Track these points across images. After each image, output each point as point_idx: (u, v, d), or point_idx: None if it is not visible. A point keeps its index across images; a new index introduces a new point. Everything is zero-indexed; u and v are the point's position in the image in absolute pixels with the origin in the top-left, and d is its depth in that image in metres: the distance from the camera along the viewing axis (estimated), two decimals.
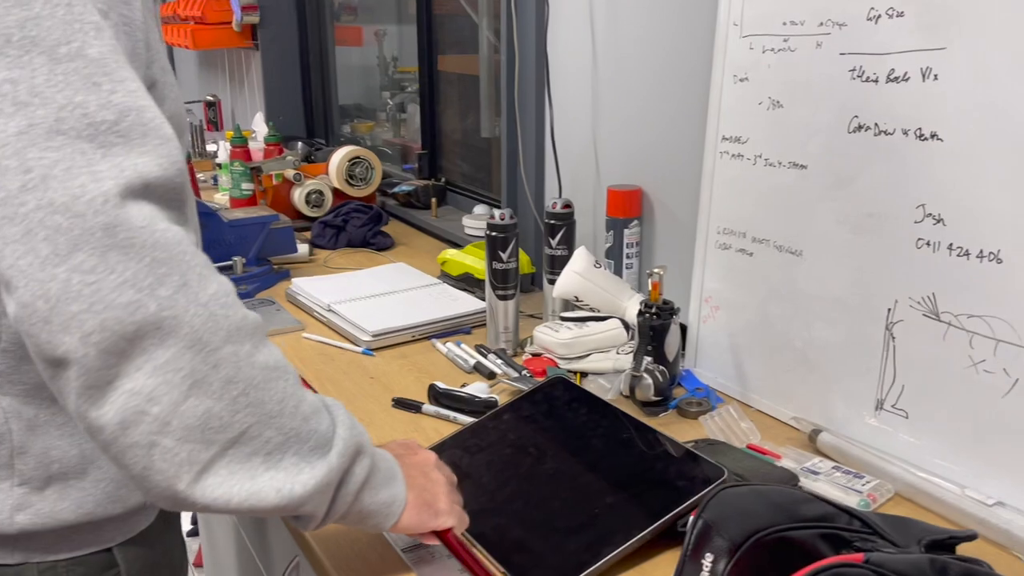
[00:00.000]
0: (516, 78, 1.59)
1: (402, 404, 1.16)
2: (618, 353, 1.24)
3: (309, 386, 1.17)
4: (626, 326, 1.25)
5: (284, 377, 0.64)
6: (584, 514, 0.84)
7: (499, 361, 1.30)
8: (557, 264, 1.37)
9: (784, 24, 1.05)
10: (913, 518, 0.81)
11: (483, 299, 1.44)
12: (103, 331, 0.55)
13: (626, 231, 1.41)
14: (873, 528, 0.77)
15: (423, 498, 0.76)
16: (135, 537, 0.83)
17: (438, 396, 1.15)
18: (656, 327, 1.12)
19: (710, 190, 1.19)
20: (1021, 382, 0.84)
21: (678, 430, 1.08)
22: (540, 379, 1.21)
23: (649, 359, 1.13)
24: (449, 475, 0.84)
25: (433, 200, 2.13)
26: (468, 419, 1.09)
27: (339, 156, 2.16)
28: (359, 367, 1.31)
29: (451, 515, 0.78)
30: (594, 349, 1.27)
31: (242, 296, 1.58)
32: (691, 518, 0.73)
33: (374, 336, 1.36)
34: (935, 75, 0.89)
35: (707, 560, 0.71)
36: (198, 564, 2.33)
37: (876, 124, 0.96)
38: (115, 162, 0.59)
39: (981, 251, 0.86)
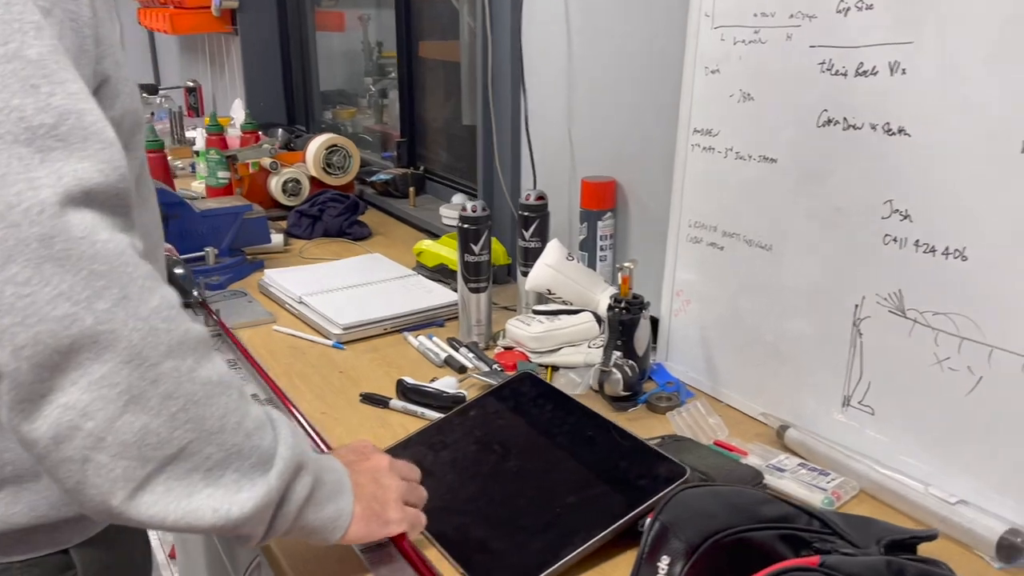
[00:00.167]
0: (490, 67, 1.57)
1: (370, 399, 1.15)
2: (590, 347, 1.23)
3: (276, 391, 1.16)
4: (598, 319, 1.24)
5: (227, 392, 0.63)
6: (546, 513, 0.83)
7: (470, 355, 1.29)
8: (531, 256, 1.36)
9: (755, 15, 1.04)
10: (874, 518, 0.81)
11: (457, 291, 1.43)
12: (36, 344, 0.54)
13: (600, 223, 1.40)
14: (833, 528, 0.76)
15: (372, 508, 0.75)
16: (92, 538, 0.81)
17: (406, 391, 1.14)
18: (625, 322, 1.12)
19: (681, 183, 1.18)
20: (984, 380, 0.84)
21: (647, 425, 1.08)
22: (511, 373, 1.20)
23: (618, 354, 1.12)
24: (409, 474, 0.83)
25: (411, 189, 2.11)
26: (436, 414, 1.08)
27: (316, 144, 2.14)
28: (329, 361, 1.29)
29: (403, 521, 0.77)
30: (566, 343, 1.26)
31: (214, 288, 1.57)
32: (648, 520, 0.72)
33: (344, 329, 1.35)
34: (903, 69, 0.88)
35: (663, 563, 0.70)
36: (172, 556, 2.32)
37: (845, 118, 0.95)
38: (54, 168, 0.57)
39: (947, 248, 0.86)
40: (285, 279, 1.55)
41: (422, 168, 2.24)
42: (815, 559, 0.66)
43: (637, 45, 1.32)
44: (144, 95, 2.80)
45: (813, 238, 1.00)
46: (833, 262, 0.98)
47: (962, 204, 0.84)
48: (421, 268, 1.66)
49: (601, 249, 1.41)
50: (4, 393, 0.55)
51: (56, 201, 0.56)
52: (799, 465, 0.95)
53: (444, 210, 1.94)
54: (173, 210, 1.60)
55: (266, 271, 1.62)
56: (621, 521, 0.79)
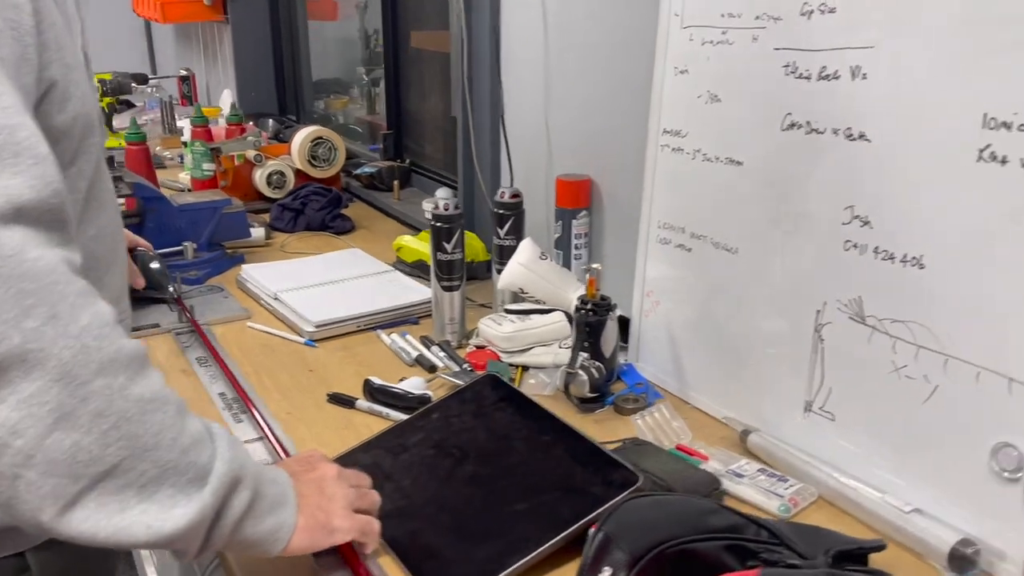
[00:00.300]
0: (465, 59, 1.56)
1: (336, 399, 1.15)
2: (560, 347, 1.23)
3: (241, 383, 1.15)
4: (570, 319, 1.24)
5: (162, 409, 0.63)
6: (497, 520, 0.83)
7: (442, 354, 1.28)
8: (505, 254, 1.35)
9: (722, 16, 1.03)
10: (824, 528, 0.81)
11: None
12: None
13: (574, 221, 1.39)
14: (780, 539, 0.76)
15: (316, 518, 0.74)
16: (49, 541, 0.82)
17: (373, 391, 1.14)
18: (592, 323, 1.11)
19: (651, 184, 1.17)
20: (940, 389, 0.83)
21: (611, 428, 1.07)
22: (480, 373, 1.20)
23: (585, 355, 1.12)
24: (360, 481, 0.83)
25: (395, 183, 2.10)
26: (401, 415, 1.08)
27: (301, 136, 2.13)
28: (300, 359, 1.29)
29: (350, 530, 0.77)
30: (537, 342, 1.26)
31: (192, 282, 1.56)
32: (591, 530, 0.72)
33: (317, 327, 1.35)
34: (864, 74, 0.87)
35: (605, 574, 0.70)
36: None
37: (808, 122, 0.94)
38: None
39: (905, 255, 0.85)
40: (262, 274, 1.55)
41: (408, 161, 2.24)
42: (755, 572, 0.66)
43: (612, 44, 1.31)
44: (134, 85, 2.78)
45: (777, 242, 0.99)
46: (796, 267, 0.97)
47: (919, 212, 0.83)
48: (400, 264, 1.66)
49: (576, 248, 1.40)
50: None
51: None
52: (759, 471, 0.95)
53: (427, 204, 1.93)
54: (151, 204, 1.60)
55: (244, 266, 1.62)
56: (568, 531, 0.79)
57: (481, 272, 1.61)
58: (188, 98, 3.63)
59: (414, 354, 1.28)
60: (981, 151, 0.77)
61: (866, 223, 0.89)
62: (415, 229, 1.91)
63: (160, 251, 1.52)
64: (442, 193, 1.96)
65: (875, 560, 0.81)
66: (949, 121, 0.79)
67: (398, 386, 1.14)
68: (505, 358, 1.25)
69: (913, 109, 0.83)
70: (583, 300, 1.12)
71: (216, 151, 2.11)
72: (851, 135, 0.89)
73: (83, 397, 0.58)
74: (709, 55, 1.05)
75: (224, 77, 3.42)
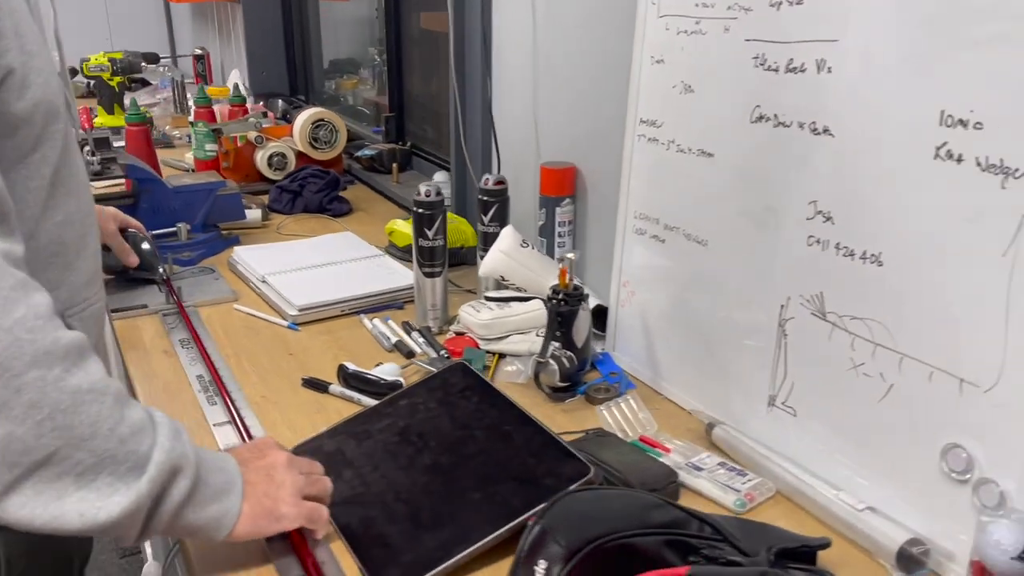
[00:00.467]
0: (456, 46, 1.56)
1: (311, 384, 1.16)
2: (537, 335, 1.23)
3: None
4: None
5: (100, 400, 0.64)
6: (450, 509, 0.84)
7: (421, 340, 1.29)
8: (489, 241, 1.36)
9: (696, 5, 1.01)
10: (772, 525, 0.81)
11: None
12: None
13: (558, 209, 1.39)
14: (723, 535, 0.76)
15: (263, 505, 0.76)
16: None
17: (347, 377, 1.15)
18: (564, 313, 1.11)
19: (629, 174, 1.17)
20: (896, 388, 0.82)
21: (580, 418, 1.08)
22: (457, 359, 1.21)
23: (556, 344, 1.12)
24: (311, 469, 0.84)
25: (394, 165, 2.11)
26: (372, 401, 1.09)
27: (303, 118, 2.14)
28: (281, 342, 1.31)
29: (296, 517, 0.78)
30: (514, 330, 1.26)
31: (185, 263, 1.58)
32: (529, 523, 0.73)
33: (300, 310, 1.36)
34: (829, 68, 0.86)
35: (540, 567, 0.70)
36: None
37: (776, 115, 0.93)
38: None
39: (864, 252, 0.84)
40: (252, 257, 1.56)
41: (409, 144, 2.24)
42: (684, 569, 0.66)
43: (599, 30, 1.30)
44: (144, 64, 2.80)
45: (745, 236, 0.98)
46: (762, 261, 0.96)
47: (879, 209, 0.82)
48: (392, 248, 1.67)
49: (559, 236, 1.40)
50: None
51: None
52: (719, 464, 0.95)
53: (424, 188, 1.93)
54: (145, 185, 1.61)
55: (236, 248, 1.63)
56: (514, 523, 0.79)
57: (470, 258, 1.61)
58: (203, 76, 3.65)
59: (394, 340, 1.29)
60: (938, 148, 0.76)
61: (828, 219, 0.88)
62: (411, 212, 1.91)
63: (154, 232, 1.54)
64: (439, 177, 1.97)
65: (826, 557, 0.81)
66: (908, 117, 0.78)
67: (371, 372, 1.15)
68: (483, 345, 1.26)
69: (875, 104, 0.81)
70: (555, 290, 1.12)
71: (218, 132, 2.12)
72: (816, 129, 0.88)
73: (16, 388, 0.59)
74: (684, 45, 1.04)
75: (238, 56, 3.43)
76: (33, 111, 0.76)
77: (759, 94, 0.94)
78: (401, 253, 1.63)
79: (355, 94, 3.01)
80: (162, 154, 2.52)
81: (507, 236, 1.31)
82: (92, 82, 2.85)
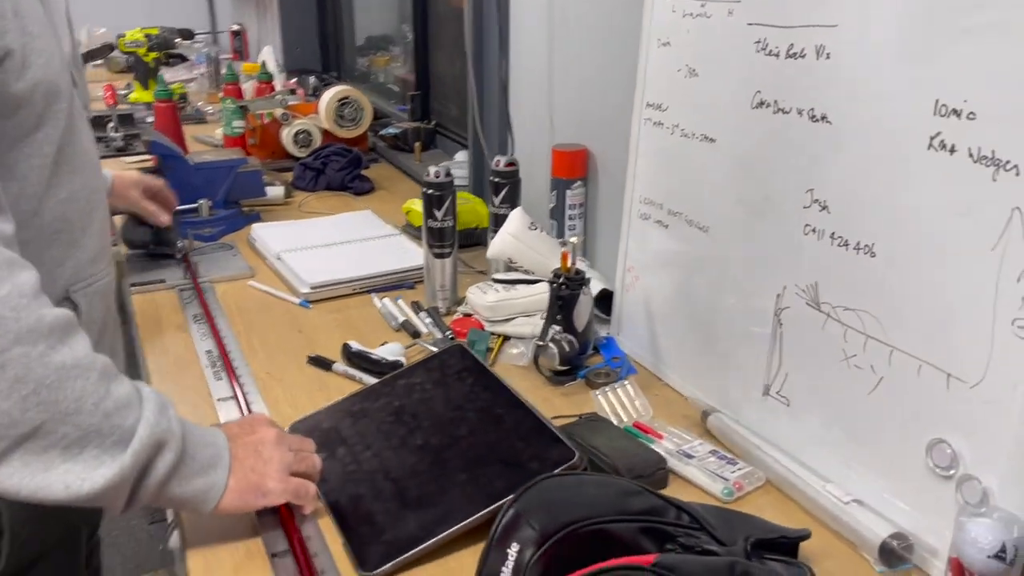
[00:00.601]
0: (473, 28, 1.55)
1: (316, 361, 1.18)
2: (541, 318, 1.24)
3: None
4: None
5: (85, 375, 0.66)
6: (437, 490, 0.85)
7: (428, 320, 1.30)
8: (500, 222, 1.36)
9: None
10: (753, 515, 0.81)
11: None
12: None
13: (569, 192, 1.38)
14: (701, 523, 0.76)
15: (250, 480, 0.78)
16: None
17: (350, 355, 1.17)
18: (564, 297, 1.11)
19: (635, 158, 1.16)
20: (885, 381, 0.81)
21: (578, 402, 1.08)
22: (462, 341, 1.22)
23: (557, 328, 1.12)
24: (301, 446, 0.85)
25: (417, 144, 2.11)
26: (374, 380, 1.10)
27: (328, 96, 2.16)
28: (292, 319, 1.33)
29: (283, 492, 0.80)
30: (520, 313, 1.26)
31: (205, 239, 1.61)
32: (504, 505, 0.73)
33: (312, 288, 1.38)
34: (828, 54, 0.84)
35: (513, 549, 0.71)
36: None
37: (776, 101, 0.91)
38: None
39: (858, 243, 0.83)
40: (269, 234, 1.59)
41: (434, 123, 2.24)
42: (650, 557, 0.66)
43: (615, 12, 1.28)
44: (179, 40, 2.84)
45: (744, 223, 0.97)
46: (760, 249, 0.95)
47: (873, 199, 0.81)
48: (409, 228, 1.68)
49: (570, 218, 1.40)
50: None
51: None
52: (710, 453, 0.95)
53: (433, 169, 1.93)
54: (167, 162, 1.64)
55: (255, 225, 1.66)
56: (496, 504, 0.80)
57: (485, 239, 1.61)
58: (240, 52, 3.70)
59: (401, 319, 1.30)
60: (932, 139, 0.74)
61: (824, 207, 0.86)
62: None
63: (175, 208, 1.57)
64: (460, 157, 1.97)
65: (810, 549, 0.81)
66: (904, 106, 0.77)
67: (374, 351, 1.16)
68: (488, 327, 1.26)
69: (871, 92, 0.80)
70: (556, 273, 1.12)
71: (245, 109, 2.15)
72: (814, 116, 0.86)
73: (1, 364, 0.62)
74: (689, 28, 1.03)
75: (273, 32, 3.46)
76: (33, 91, 0.78)
77: (760, 79, 0.93)
78: (417, 233, 1.64)
79: (387, 71, 3.01)
80: (195, 130, 2.56)
81: (515, 218, 1.31)
82: (129, 58, 2.90)
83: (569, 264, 1.12)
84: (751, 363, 0.98)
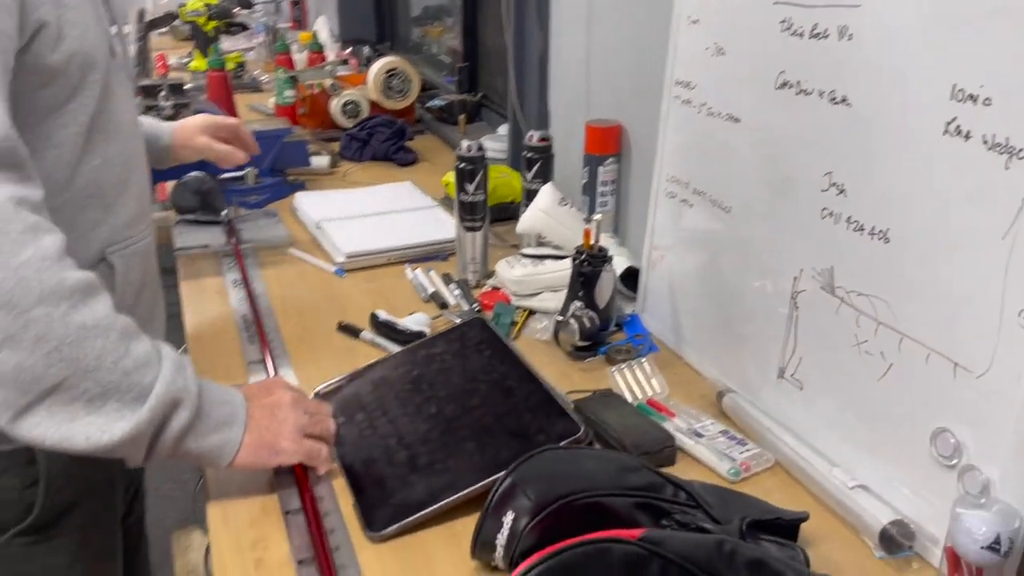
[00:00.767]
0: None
1: (345, 329, 1.21)
2: None
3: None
4: None
5: (104, 335, 0.70)
6: (445, 457, 0.88)
7: (457, 292, 1.33)
8: (532, 198, 1.37)
9: None
10: (753, 496, 0.81)
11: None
12: None
13: (601, 168, 1.39)
14: (698, 501, 0.77)
15: (264, 439, 0.81)
16: None
17: (377, 324, 1.20)
18: (586, 274, 1.12)
19: (664, 136, 1.16)
20: (894, 368, 0.81)
21: (596, 377, 1.09)
22: (488, 314, 1.24)
23: (579, 304, 1.13)
24: (317, 409, 0.89)
25: (461, 117, 2.13)
26: (398, 348, 1.13)
27: (377, 67, 2.19)
28: (327, 287, 1.36)
29: (295, 452, 0.83)
30: (546, 288, 1.28)
31: (250, 207, 1.66)
32: (502, 475, 0.75)
33: (348, 257, 1.41)
34: (850, 35, 0.83)
35: (507, 518, 0.73)
36: None
37: (799, 82, 0.90)
38: None
39: (873, 228, 0.82)
40: (311, 203, 1.63)
41: (479, 95, 2.25)
42: (637, 531, 0.68)
43: None
44: (237, 8, 2.90)
45: (765, 205, 0.97)
46: (779, 232, 0.95)
47: (889, 184, 0.80)
48: (448, 200, 1.70)
49: (602, 195, 1.40)
50: None
51: None
52: (721, 432, 0.96)
53: (486, 141, 1.94)
54: None
55: (297, 194, 1.70)
56: (500, 474, 0.82)
57: (520, 213, 1.62)
58: (298, 22, 3.75)
59: (431, 290, 1.33)
60: (948, 124, 0.73)
61: (842, 191, 0.86)
62: None
63: (222, 176, 1.62)
64: (503, 130, 1.98)
65: (813, 531, 0.82)
66: (922, 90, 0.75)
67: (401, 321, 1.19)
68: (515, 301, 1.28)
69: (891, 75, 0.78)
70: (579, 250, 1.13)
71: (295, 79, 2.19)
72: (835, 98, 0.85)
73: (24, 323, 0.66)
74: (718, 6, 1.02)
75: (329, 2, 3.50)
76: (68, 62, 0.81)
77: (784, 59, 0.92)
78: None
79: (440, 43, 3.02)
80: (250, 98, 2.62)
81: (546, 194, 1.32)
82: (190, 27, 2.97)
83: (592, 241, 1.13)
84: (768, 346, 0.98)
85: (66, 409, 0.70)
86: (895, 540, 0.78)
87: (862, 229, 0.83)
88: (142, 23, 2.70)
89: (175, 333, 1.20)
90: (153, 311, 1.03)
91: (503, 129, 1.99)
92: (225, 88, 2.06)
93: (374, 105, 2.19)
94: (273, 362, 1.10)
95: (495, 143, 1.94)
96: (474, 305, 1.28)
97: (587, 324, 1.12)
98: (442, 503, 0.82)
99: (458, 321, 1.17)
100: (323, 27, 2.87)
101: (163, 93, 1.60)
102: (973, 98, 0.70)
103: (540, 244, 1.37)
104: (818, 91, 0.88)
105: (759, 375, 1.00)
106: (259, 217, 1.63)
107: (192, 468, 2.48)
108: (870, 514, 0.80)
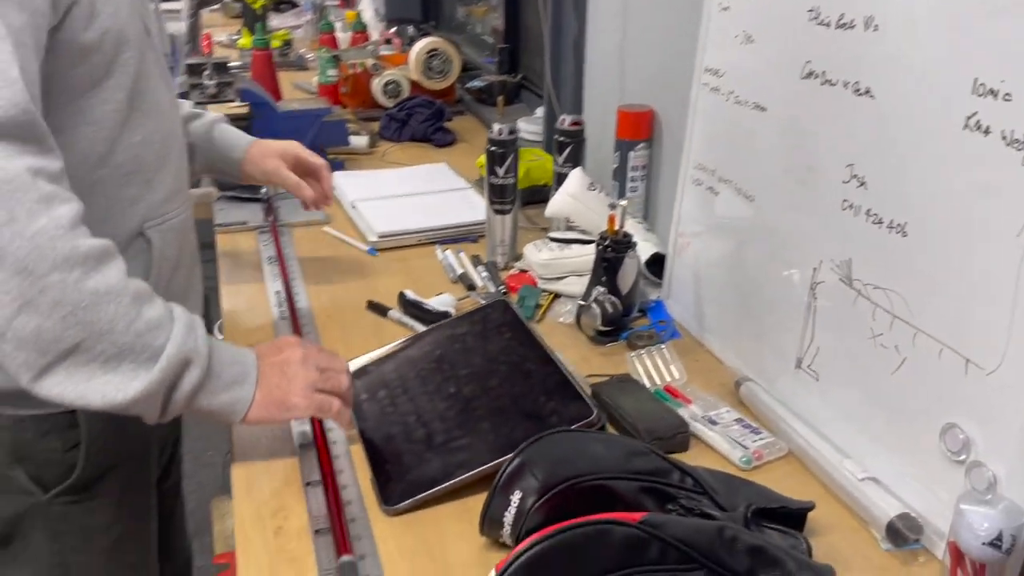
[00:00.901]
0: None
1: (373, 307, 1.24)
2: None
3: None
4: None
5: (117, 300, 0.74)
6: (461, 436, 0.90)
7: (485, 274, 1.35)
8: (562, 182, 1.38)
9: None
10: (760, 484, 0.82)
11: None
12: None
13: (632, 154, 1.39)
14: (704, 488, 0.79)
15: (274, 396, 0.84)
16: None
17: (405, 303, 1.22)
18: (609, 259, 1.13)
19: (692, 123, 1.16)
20: (908, 362, 0.81)
21: (616, 362, 1.10)
22: (508, 296, 1.26)
23: (601, 289, 1.14)
24: (329, 364, 0.90)
25: (500, 98, 2.14)
26: (423, 328, 1.16)
27: (418, 47, 2.20)
28: (358, 266, 1.39)
29: (306, 408, 0.86)
30: (572, 272, 1.29)
31: None
32: (511, 456, 0.77)
33: (380, 236, 1.44)
34: (876, 25, 0.82)
35: (515, 496, 0.76)
36: None
37: (824, 72, 0.90)
38: None
39: (892, 221, 0.82)
40: (348, 183, 1.66)
41: (519, 76, 2.25)
42: (637, 515, 0.69)
43: None
44: None
45: (787, 195, 0.97)
46: (801, 222, 0.95)
47: (908, 177, 0.79)
48: (482, 182, 1.71)
49: (632, 180, 1.41)
50: None
51: None
52: (736, 421, 0.96)
53: (523, 123, 1.96)
54: (258, 110, 1.73)
55: (335, 174, 1.72)
56: (506, 457, 0.84)
57: (552, 196, 1.63)
58: (347, 0, 3.77)
59: (460, 271, 1.35)
60: (968, 118, 0.72)
61: (863, 183, 0.85)
62: None
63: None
64: (540, 113, 1.99)
65: (821, 521, 0.83)
66: (944, 84, 0.75)
67: (428, 301, 1.22)
68: (541, 284, 1.30)
69: (914, 68, 0.78)
70: (603, 236, 1.14)
71: (337, 58, 2.22)
72: (859, 90, 0.85)
73: (40, 289, 0.70)
74: None
75: None
76: (102, 40, 0.83)
77: (810, 49, 0.91)
78: None
79: (484, 22, 3.03)
80: (295, 76, 2.66)
81: (575, 178, 1.33)
82: (240, 4, 3.01)
83: (617, 227, 1.13)
84: (786, 336, 0.98)
85: (83, 369, 0.74)
86: (901, 533, 0.79)
87: (881, 222, 0.83)
88: (193, 0, 2.75)
89: (212, 307, 1.24)
90: (189, 287, 1.06)
91: (541, 111, 2.00)
92: (269, 67, 2.10)
93: (415, 85, 2.21)
94: (298, 332, 1.14)
95: (531, 125, 1.95)
96: (501, 287, 1.29)
97: (609, 309, 1.13)
98: (455, 480, 0.84)
99: (484, 302, 1.19)
100: (368, 6, 2.90)
101: (207, 72, 1.64)
102: (994, 93, 0.70)
103: (569, 228, 1.38)
104: (842, 82, 0.87)
105: (777, 364, 1.00)
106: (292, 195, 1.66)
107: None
108: (878, 506, 0.81)
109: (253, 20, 2.92)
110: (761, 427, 0.95)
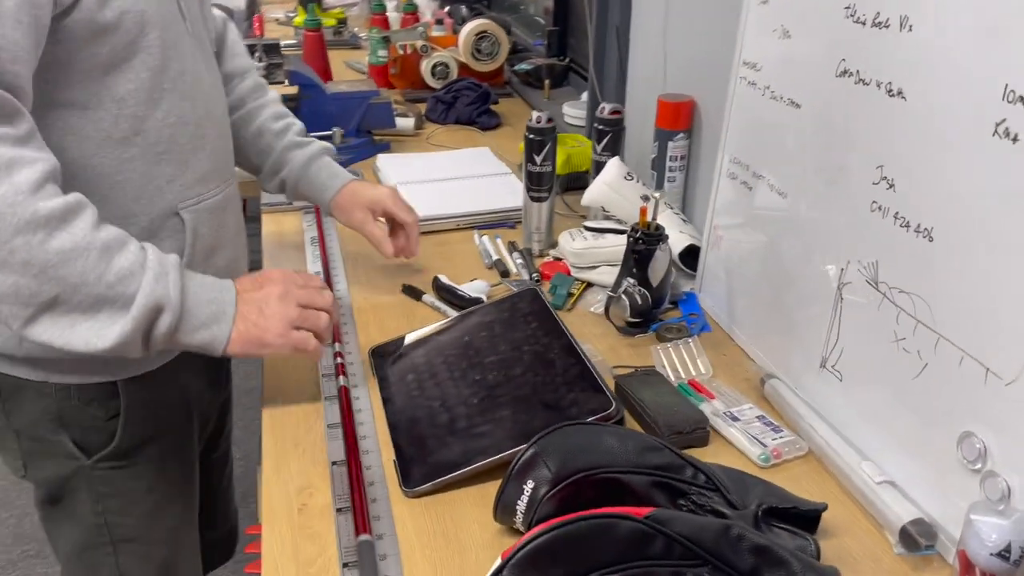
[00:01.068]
0: None
1: (408, 291, 1.27)
2: None
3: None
4: None
5: (84, 255, 0.78)
6: (482, 423, 0.92)
7: (520, 261, 1.36)
8: (600, 170, 1.39)
9: None
10: (774, 483, 0.83)
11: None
12: None
13: (671, 144, 1.38)
14: (716, 484, 0.80)
15: (251, 333, 0.88)
16: (139, 377, 1.01)
17: (439, 288, 1.25)
18: (640, 251, 1.14)
19: (728, 116, 1.15)
20: (929, 368, 0.80)
21: (643, 354, 1.11)
22: (538, 285, 1.27)
23: (631, 281, 1.15)
24: (311, 300, 0.93)
25: (546, 82, 2.14)
26: (455, 313, 1.18)
27: (467, 29, 2.21)
28: None
29: (283, 346, 0.90)
30: (604, 262, 1.30)
31: None
32: (525, 445, 0.79)
33: (421, 221, 1.46)
34: (910, 25, 0.81)
35: (528, 485, 0.77)
36: None
37: (858, 71, 0.89)
38: None
39: (919, 225, 0.81)
40: (391, 165, 1.68)
41: (567, 60, 2.25)
42: (644, 510, 0.71)
43: None
44: None
45: (819, 193, 0.96)
46: (831, 221, 0.94)
47: (937, 182, 0.78)
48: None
49: (670, 171, 1.40)
50: None
51: None
52: (757, 418, 0.97)
53: (567, 108, 1.96)
54: (306, 91, 1.76)
55: (379, 156, 1.76)
56: (523, 446, 0.86)
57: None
58: None
59: (495, 258, 1.37)
60: (997, 125, 0.71)
61: (892, 186, 0.84)
62: None
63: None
64: (586, 97, 1.98)
65: (835, 522, 0.83)
66: (974, 89, 0.73)
67: (461, 286, 1.24)
68: (574, 272, 1.31)
69: (947, 70, 0.77)
70: (635, 228, 1.14)
71: (387, 39, 2.24)
72: (891, 91, 0.84)
73: (10, 250, 0.75)
74: None
75: None
76: (120, 19, 0.85)
77: (846, 47, 0.90)
78: None
79: (536, 3, 3.02)
80: (348, 55, 2.69)
81: (612, 168, 1.33)
82: None
83: (649, 219, 1.14)
84: (813, 335, 0.98)
85: (65, 318, 0.80)
86: (914, 538, 0.78)
87: (908, 226, 0.82)
88: None
89: None
90: (233, 267, 1.08)
91: (586, 96, 2.00)
92: (320, 47, 2.13)
93: (463, 67, 2.22)
94: (338, 319, 1.17)
95: (576, 110, 1.95)
96: (534, 275, 1.31)
97: (639, 301, 1.14)
98: (473, 466, 0.87)
99: (515, 290, 1.21)
100: None
101: (257, 54, 1.68)
102: (1023, 100, 0.69)
103: (606, 217, 1.39)
104: (876, 82, 0.86)
105: (803, 363, 1.00)
106: None
107: None
108: (892, 510, 0.81)
109: None
110: (782, 425, 0.96)
